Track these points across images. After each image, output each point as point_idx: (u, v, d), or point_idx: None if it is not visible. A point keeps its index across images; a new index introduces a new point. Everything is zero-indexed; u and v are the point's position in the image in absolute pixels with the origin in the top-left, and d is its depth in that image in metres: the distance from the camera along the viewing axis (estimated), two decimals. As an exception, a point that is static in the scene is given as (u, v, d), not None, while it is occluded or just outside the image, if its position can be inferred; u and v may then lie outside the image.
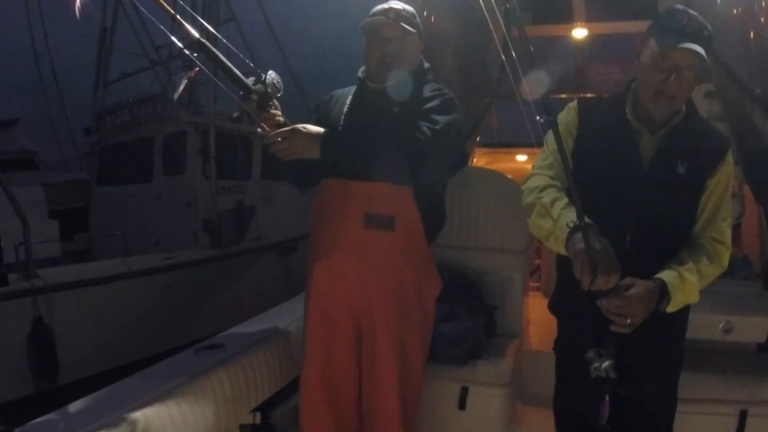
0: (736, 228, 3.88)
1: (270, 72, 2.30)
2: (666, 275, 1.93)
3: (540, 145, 2.24)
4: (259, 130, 2.29)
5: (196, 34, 2.15)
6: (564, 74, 6.74)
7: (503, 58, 3.61)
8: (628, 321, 1.85)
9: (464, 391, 2.92)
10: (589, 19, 5.77)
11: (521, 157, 6.06)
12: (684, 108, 2.10)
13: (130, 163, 9.59)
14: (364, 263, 2.42)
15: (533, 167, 2.21)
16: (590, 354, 1.93)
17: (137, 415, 1.94)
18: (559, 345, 2.37)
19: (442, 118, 2.36)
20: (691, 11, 1.98)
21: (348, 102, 2.53)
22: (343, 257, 2.43)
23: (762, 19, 3.47)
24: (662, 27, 1.98)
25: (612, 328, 1.88)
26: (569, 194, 1.94)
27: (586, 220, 1.78)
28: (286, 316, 3.07)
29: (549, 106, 1.81)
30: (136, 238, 8.57)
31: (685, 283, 1.94)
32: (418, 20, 2.53)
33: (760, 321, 3.00)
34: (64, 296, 6.36)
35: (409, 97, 2.46)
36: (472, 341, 2.91)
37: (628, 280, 1.86)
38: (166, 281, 7.35)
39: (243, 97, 2.29)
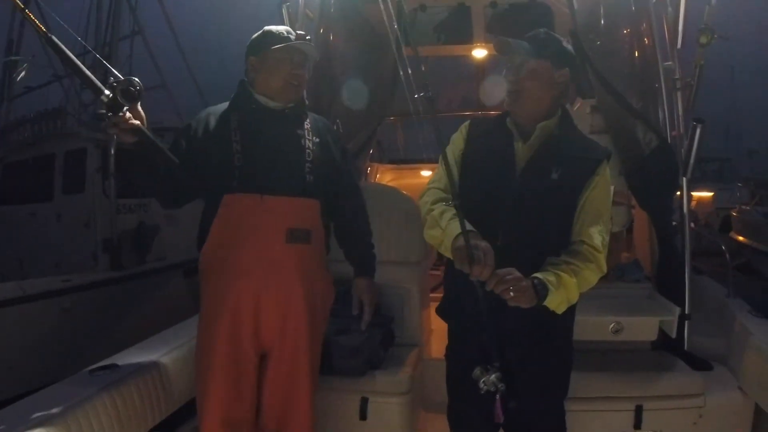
0: (628, 234, 4.10)
1: (132, 78, 2.11)
2: (540, 274, 2.01)
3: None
4: (109, 132, 2.14)
5: (43, 28, 2.01)
6: (470, 93, 7.00)
7: (394, 76, 3.75)
8: (511, 294, 1.90)
9: (364, 401, 2.93)
10: (488, 41, 5.95)
11: (426, 173, 6.17)
12: (559, 115, 2.23)
13: (32, 181, 9.08)
14: (284, 278, 2.40)
15: (428, 183, 2.34)
16: (476, 372, 2.01)
17: None
18: (448, 352, 2.44)
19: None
20: (545, 34, 2.22)
21: (249, 122, 2.47)
22: (265, 275, 2.39)
23: (646, 41, 3.68)
24: None
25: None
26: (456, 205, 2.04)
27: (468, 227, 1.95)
28: (183, 335, 3.01)
29: (437, 126, 2.10)
30: (38, 261, 8.19)
31: (560, 279, 2.00)
32: None
33: (649, 320, 3.15)
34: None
35: (312, 121, 2.58)
36: (369, 352, 2.93)
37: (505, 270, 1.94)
38: (62, 305, 6.95)
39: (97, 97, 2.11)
